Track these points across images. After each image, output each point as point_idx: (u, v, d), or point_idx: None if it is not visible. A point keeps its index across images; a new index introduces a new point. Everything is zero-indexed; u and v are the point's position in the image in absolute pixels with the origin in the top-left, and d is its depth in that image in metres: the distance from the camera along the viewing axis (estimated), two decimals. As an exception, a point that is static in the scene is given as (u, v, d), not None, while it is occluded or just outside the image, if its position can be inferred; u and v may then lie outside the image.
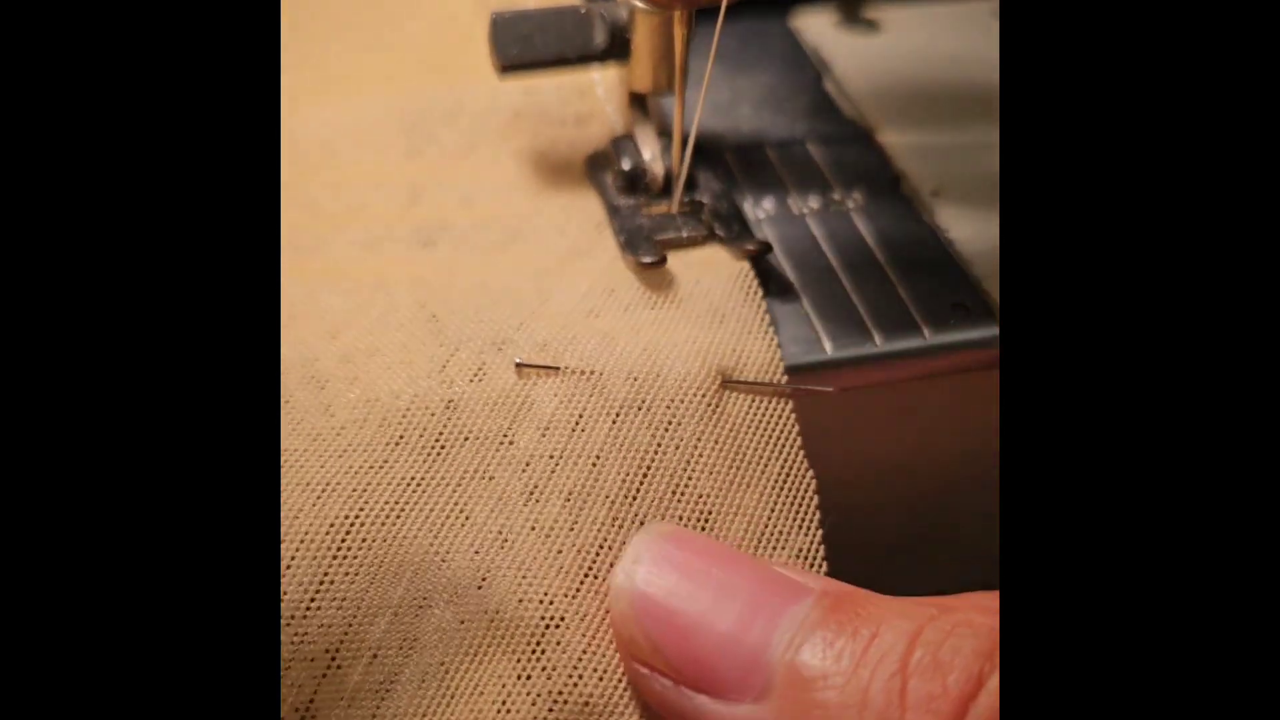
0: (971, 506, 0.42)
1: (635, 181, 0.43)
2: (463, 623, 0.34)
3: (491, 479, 0.35)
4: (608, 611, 0.33)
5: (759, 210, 0.45)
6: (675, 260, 0.41)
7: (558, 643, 0.33)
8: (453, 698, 0.33)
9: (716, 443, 0.36)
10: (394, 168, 0.46)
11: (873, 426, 0.40)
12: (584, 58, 0.42)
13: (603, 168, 0.45)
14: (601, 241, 0.42)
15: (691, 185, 0.44)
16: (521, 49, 0.42)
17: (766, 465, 0.36)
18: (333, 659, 0.33)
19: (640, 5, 0.41)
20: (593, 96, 0.48)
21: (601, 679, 0.33)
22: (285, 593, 0.33)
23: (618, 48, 0.42)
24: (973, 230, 0.44)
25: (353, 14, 0.54)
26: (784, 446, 0.37)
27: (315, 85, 0.49)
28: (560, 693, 0.33)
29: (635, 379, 0.36)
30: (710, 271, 0.40)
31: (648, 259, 0.39)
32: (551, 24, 0.42)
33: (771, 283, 0.41)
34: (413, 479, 0.35)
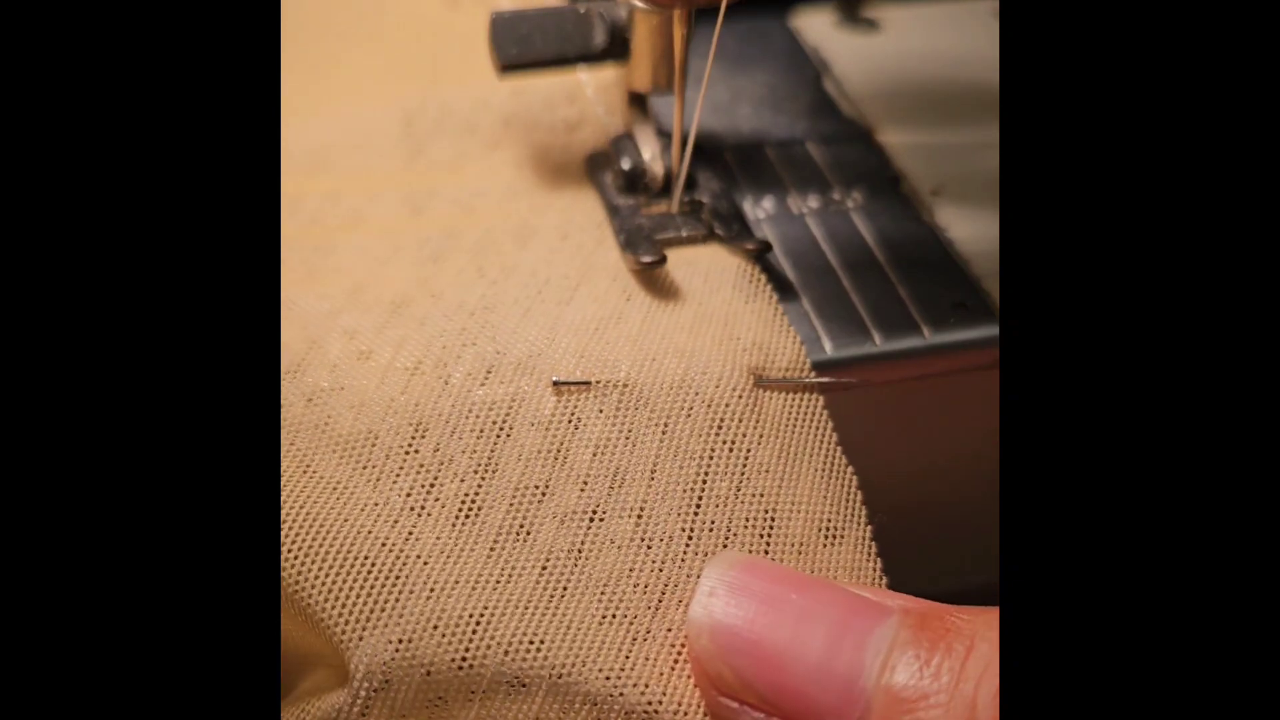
0: (972, 506, 0.42)
1: (635, 181, 0.43)
2: (541, 642, 0.32)
3: (550, 495, 0.34)
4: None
5: (759, 210, 0.44)
6: (676, 260, 0.41)
7: (646, 658, 0.32)
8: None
9: (762, 439, 0.36)
10: (393, 175, 0.46)
11: (872, 426, 0.40)
12: (584, 57, 0.42)
13: (602, 167, 0.45)
14: (605, 245, 0.42)
15: (691, 185, 0.43)
16: (521, 49, 0.42)
17: (811, 458, 0.36)
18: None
19: (640, 5, 0.41)
20: (583, 98, 0.48)
21: (691, 689, 0.32)
22: (342, 612, 0.32)
23: (617, 47, 0.42)
24: (973, 230, 0.44)
25: (335, 15, 0.54)
26: (824, 439, 0.37)
27: (304, 88, 0.49)
28: (651, 704, 0.32)
29: (675, 387, 0.36)
30: (716, 270, 0.40)
31: (647, 258, 0.39)
32: (551, 24, 0.42)
33: (771, 282, 0.41)
34: (465, 496, 0.34)
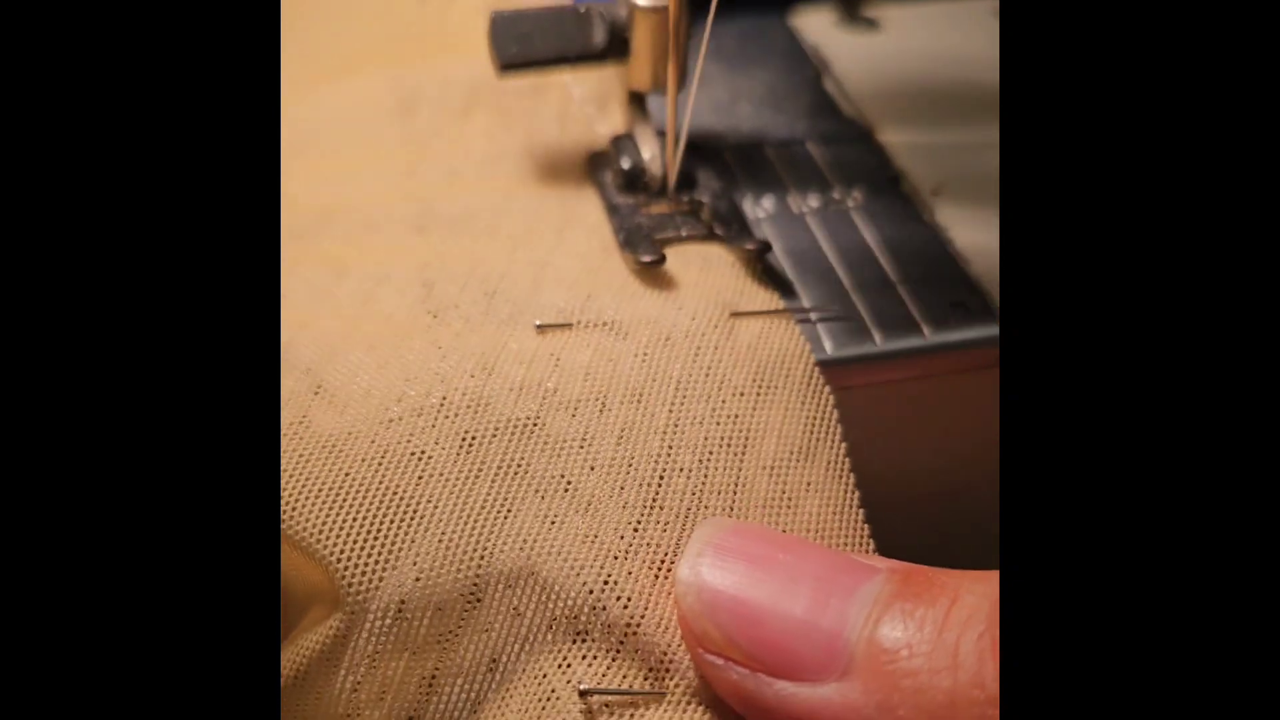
0: (972, 506, 0.42)
1: (634, 180, 0.43)
2: (534, 572, 0.33)
3: (541, 425, 0.35)
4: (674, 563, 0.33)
5: (759, 209, 0.44)
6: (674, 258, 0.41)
7: (628, 573, 0.33)
8: (516, 678, 0.33)
9: (737, 365, 0.37)
10: (390, 177, 0.46)
11: (872, 426, 0.40)
12: (583, 57, 0.42)
13: (602, 166, 0.45)
14: (601, 236, 0.42)
15: (691, 184, 0.43)
16: (521, 48, 0.42)
17: (786, 380, 0.37)
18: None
19: (640, 3, 0.41)
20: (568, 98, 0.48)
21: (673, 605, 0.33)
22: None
23: (617, 47, 0.42)
24: (972, 229, 0.44)
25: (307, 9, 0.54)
26: (798, 361, 0.38)
27: (297, 72, 0.49)
28: (634, 618, 0.32)
29: (654, 321, 0.38)
30: (714, 260, 0.41)
31: (647, 258, 0.39)
32: (551, 23, 0.42)
33: (771, 282, 0.41)
34: (464, 434, 0.35)
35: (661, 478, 0.35)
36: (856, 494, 0.36)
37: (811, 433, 0.37)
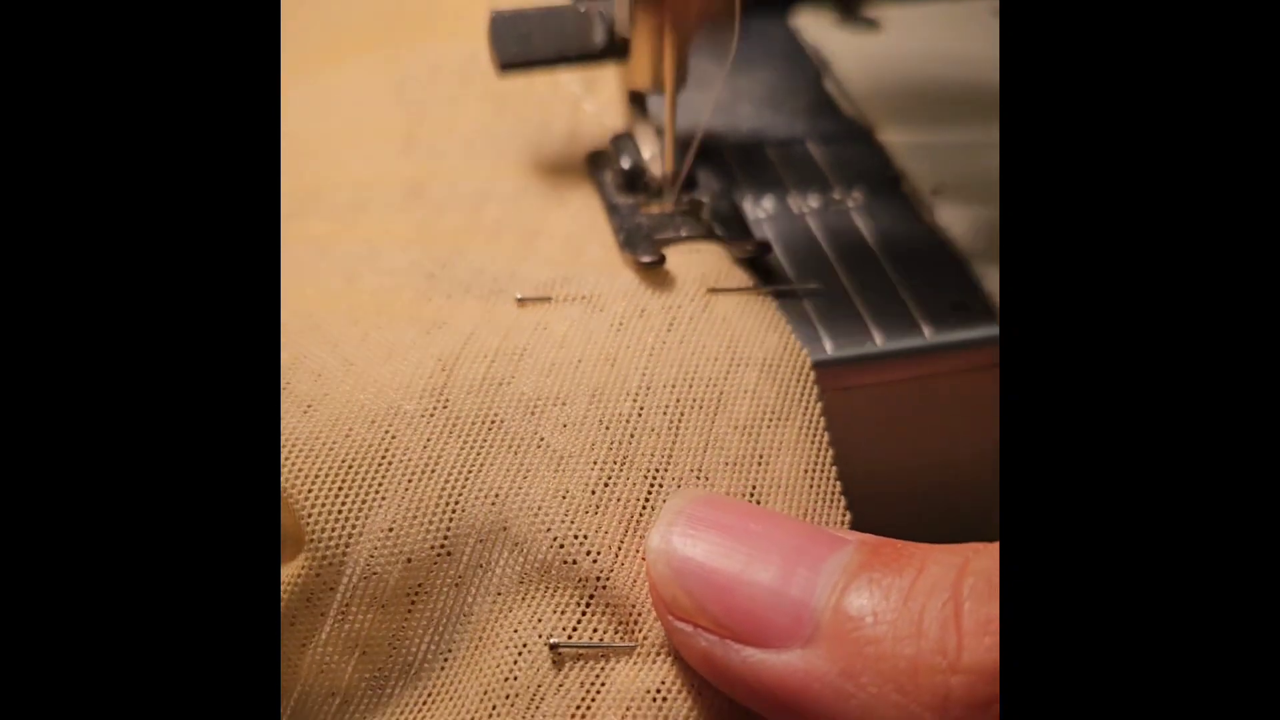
0: (972, 507, 0.42)
1: (634, 180, 0.43)
2: (505, 527, 0.34)
3: (514, 383, 0.36)
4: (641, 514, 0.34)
5: (759, 209, 0.44)
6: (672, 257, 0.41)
7: (597, 529, 0.33)
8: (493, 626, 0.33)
9: (712, 332, 0.38)
10: (382, 159, 0.47)
11: (872, 426, 0.40)
12: (583, 56, 0.42)
13: (602, 166, 0.45)
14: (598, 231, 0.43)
15: (691, 184, 0.43)
16: (521, 48, 0.42)
17: (762, 345, 0.38)
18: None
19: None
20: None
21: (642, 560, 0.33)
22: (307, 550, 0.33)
23: (617, 46, 0.42)
24: (973, 229, 0.43)
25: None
26: (773, 328, 0.38)
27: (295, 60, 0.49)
28: (603, 573, 0.33)
29: (631, 294, 0.39)
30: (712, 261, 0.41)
31: (646, 258, 0.39)
32: (551, 23, 0.42)
33: (771, 282, 0.41)
34: (435, 391, 0.36)
35: (632, 436, 0.35)
36: (830, 453, 0.37)
37: (786, 394, 0.37)
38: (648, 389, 0.36)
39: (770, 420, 0.36)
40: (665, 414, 0.36)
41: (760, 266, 0.41)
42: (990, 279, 0.41)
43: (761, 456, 0.36)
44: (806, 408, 0.37)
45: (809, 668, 0.29)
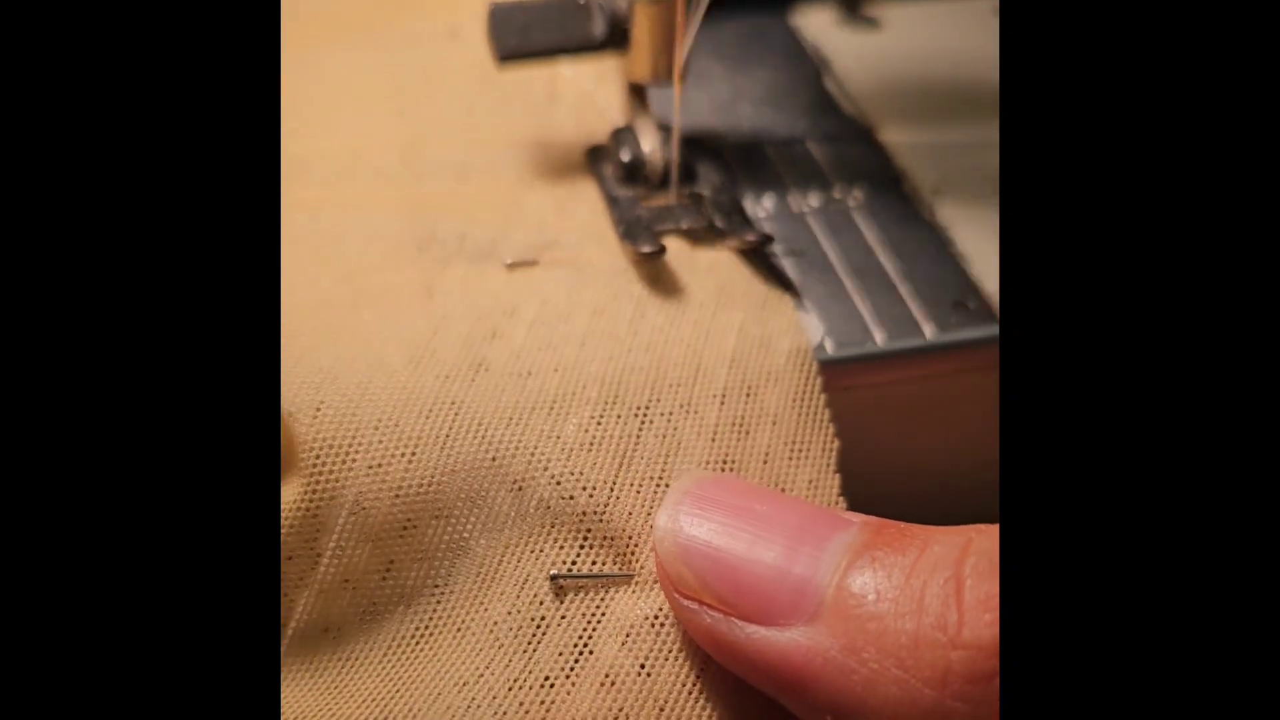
0: (972, 506, 0.42)
1: (634, 173, 0.43)
2: (495, 458, 0.34)
3: (506, 337, 0.37)
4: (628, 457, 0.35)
5: (759, 208, 0.44)
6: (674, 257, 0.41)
7: (592, 465, 0.34)
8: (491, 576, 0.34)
9: (696, 280, 0.39)
10: (381, 138, 0.47)
11: (872, 426, 0.40)
12: (583, 48, 0.42)
13: (602, 159, 0.44)
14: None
15: (692, 178, 0.43)
16: (520, 40, 0.42)
17: (747, 289, 0.39)
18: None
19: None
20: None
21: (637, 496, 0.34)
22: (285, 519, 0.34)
23: (617, 38, 0.42)
24: (973, 229, 0.43)
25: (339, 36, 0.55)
26: (755, 282, 0.40)
27: (298, 109, 0.49)
28: (599, 507, 0.34)
29: (616, 252, 0.40)
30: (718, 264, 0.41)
31: (647, 248, 0.39)
32: (550, 14, 0.42)
33: (772, 277, 0.41)
34: (420, 346, 0.37)
35: (621, 375, 0.36)
36: (819, 381, 0.37)
37: (772, 319, 0.38)
38: (635, 334, 0.37)
39: (757, 349, 0.37)
40: (650, 353, 0.37)
41: (761, 259, 0.41)
42: (990, 279, 0.41)
43: (750, 387, 0.37)
44: (794, 335, 0.38)
45: (812, 644, 0.29)
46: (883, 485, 0.38)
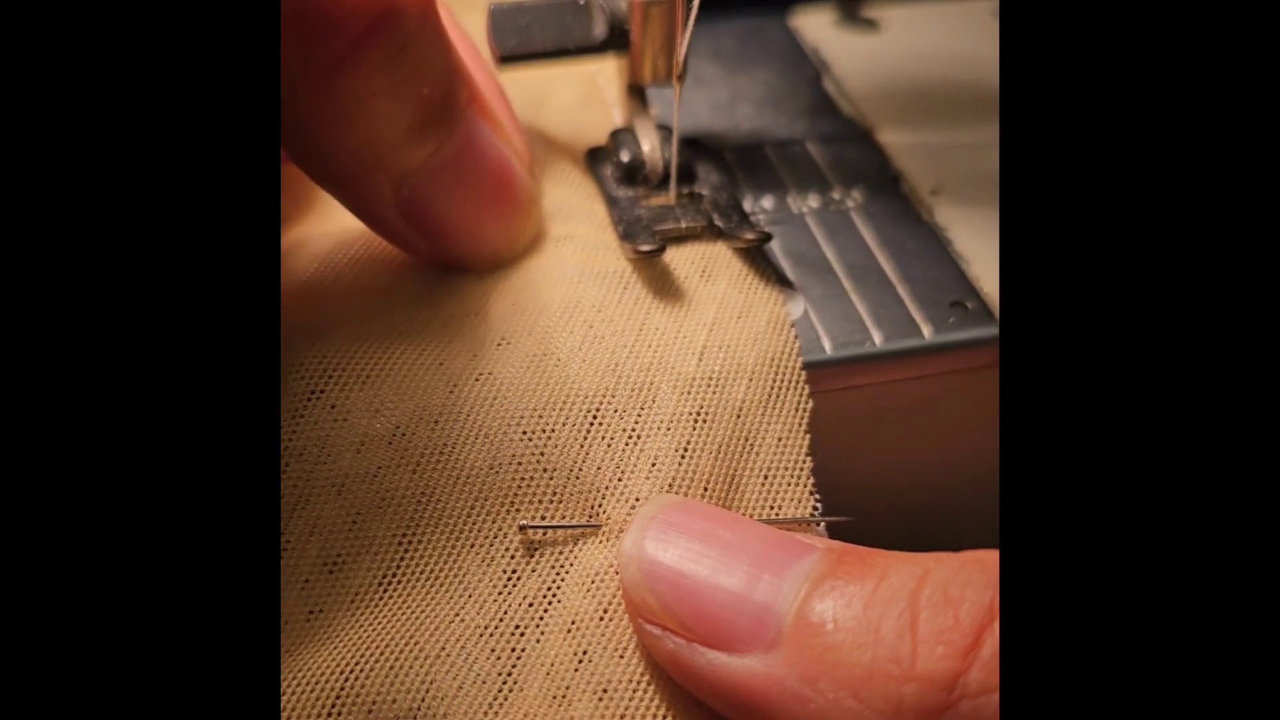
0: (972, 507, 0.42)
1: (634, 173, 0.43)
2: (447, 447, 0.35)
3: (481, 316, 0.38)
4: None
5: (758, 209, 0.44)
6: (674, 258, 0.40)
7: (564, 422, 0.35)
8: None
9: (682, 256, 0.40)
10: None
11: (872, 426, 0.40)
12: (583, 49, 0.42)
13: (602, 160, 0.44)
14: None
15: (691, 177, 0.43)
16: (520, 40, 0.42)
17: (730, 263, 0.40)
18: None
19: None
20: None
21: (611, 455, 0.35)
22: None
23: (617, 39, 0.42)
24: (971, 230, 0.43)
25: None
26: (739, 259, 0.41)
27: None
28: (575, 464, 0.35)
29: (601, 225, 0.42)
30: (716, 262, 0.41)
31: (646, 247, 0.39)
32: (550, 15, 0.42)
33: (772, 277, 0.41)
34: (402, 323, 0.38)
35: (591, 327, 0.37)
36: (798, 344, 0.38)
37: (753, 294, 0.39)
38: (617, 304, 0.38)
39: (737, 317, 0.38)
40: (630, 317, 0.38)
41: (761, 257, 0.41)
42: (989, 279, 0.41)
43: (728, 346, 0.37)
44: (772, 302, 0.39)
45: (769, 672, 0.29)
46: (882, 486, 0.38)
